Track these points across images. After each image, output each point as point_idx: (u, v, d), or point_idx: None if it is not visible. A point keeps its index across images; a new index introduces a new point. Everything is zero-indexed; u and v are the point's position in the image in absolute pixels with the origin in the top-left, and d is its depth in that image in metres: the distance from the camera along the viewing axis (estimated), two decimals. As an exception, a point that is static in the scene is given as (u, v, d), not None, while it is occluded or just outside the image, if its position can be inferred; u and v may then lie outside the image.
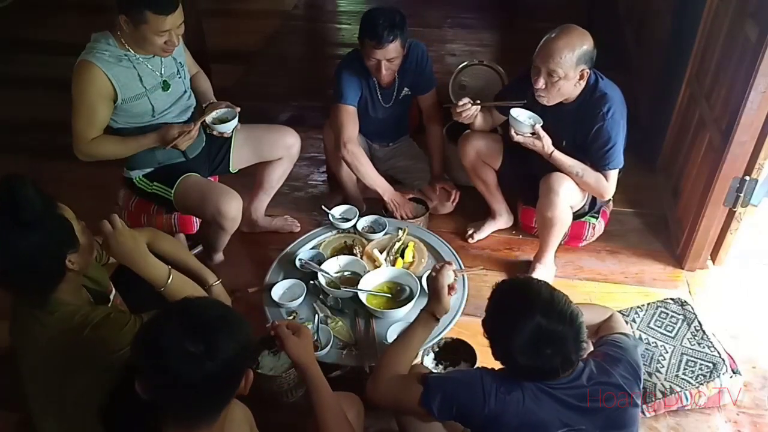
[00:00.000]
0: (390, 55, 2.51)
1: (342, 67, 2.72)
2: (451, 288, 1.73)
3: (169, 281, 1.72)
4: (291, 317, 2.16)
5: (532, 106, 2.40)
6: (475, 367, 2.02)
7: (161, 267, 1.73)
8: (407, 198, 2.82)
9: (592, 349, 1.69)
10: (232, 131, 2.42)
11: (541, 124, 2.34)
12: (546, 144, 2.33)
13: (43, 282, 1.54)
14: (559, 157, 2.36)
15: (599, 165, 2.38)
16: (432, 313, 1.72)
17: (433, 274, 1.76)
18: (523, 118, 2.36)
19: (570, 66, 2.20)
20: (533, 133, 2.33)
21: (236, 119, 2.37)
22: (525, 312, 1.41)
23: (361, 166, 2.72)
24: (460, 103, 2.43)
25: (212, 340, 1.20)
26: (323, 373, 1.63)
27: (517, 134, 2.33)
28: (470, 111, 2.43)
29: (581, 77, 2.25)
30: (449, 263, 1.79)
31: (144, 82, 2.26)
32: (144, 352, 1.21)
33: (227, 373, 1.23)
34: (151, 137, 2.29)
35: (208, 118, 2.36)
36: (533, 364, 1.41)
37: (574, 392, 1.46)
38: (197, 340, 1.18)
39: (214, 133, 2.38)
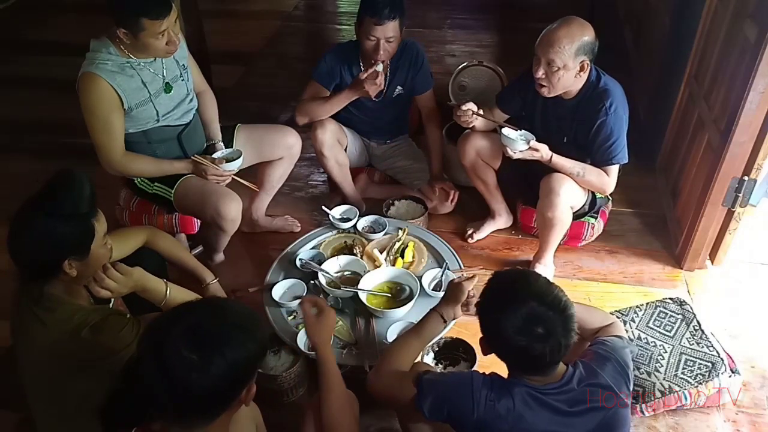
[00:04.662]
0: (389, 33, 2.51)
1: (329, 52, 2.72)
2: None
3: (167, 295, 1.72)
4: (291, 317, 2.17)
5: (534, 100, 2.41)
6: (472, 369, 2.03)
7: (157, 285, 1.74)
8: (404, 195, 2.84)
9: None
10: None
11: (534, 139, 2.34)
12: (544, 152, 2.34)
13: (38, 271, 1.56)
14: (559, 161, 2.37)
15: (603, 160, 2.38)
16: (441, 314, 1.74)
17: (456, 280, 1.79)
18: (514, 136, 2.35)
19: (569, 56, 2.20)
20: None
21: (241, 159, 2.42)
22: (520, 294, 1.44)
23: (316, 107, 2.64)
24: (464, 108, 2.44)
25: (208, 353, 1.17)
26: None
27: (515, 152, 2.34)
28: (469, 119, 2.45)
29: (582, 68, 2.26)
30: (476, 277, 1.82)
31: (148, 88, 2.25)
32: (145, 344, 1.21)
33: (220, 386, 1.20)
34: (185, 165, 2.37)
35: (217, 155, 2.43)
36: (523, 344, 1.40)
37: (565, 397, 1.46)
38: (193, 349, 1.15)
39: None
